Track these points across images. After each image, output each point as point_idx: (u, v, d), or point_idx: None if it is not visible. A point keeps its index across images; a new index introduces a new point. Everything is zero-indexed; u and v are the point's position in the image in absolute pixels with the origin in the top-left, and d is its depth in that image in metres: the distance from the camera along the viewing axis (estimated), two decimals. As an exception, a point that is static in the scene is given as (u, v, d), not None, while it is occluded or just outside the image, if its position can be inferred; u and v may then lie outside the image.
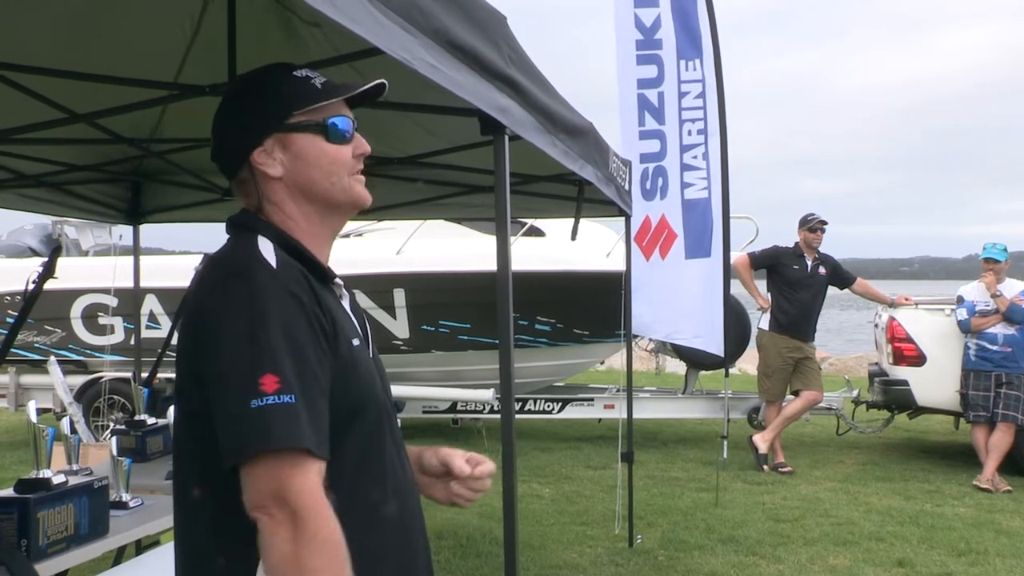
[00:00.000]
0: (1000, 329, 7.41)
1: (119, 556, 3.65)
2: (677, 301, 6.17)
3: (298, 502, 1.35)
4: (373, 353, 1.67)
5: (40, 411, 9.57)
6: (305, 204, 1.61)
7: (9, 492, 2.70)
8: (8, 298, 8.85)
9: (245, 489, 1.39)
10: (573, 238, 4.88)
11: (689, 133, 6.46)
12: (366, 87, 1.65)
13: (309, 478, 1.37)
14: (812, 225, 8.08)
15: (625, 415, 5.92)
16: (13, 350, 8.88)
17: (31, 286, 3.31)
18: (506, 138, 2.50)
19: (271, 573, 1.37)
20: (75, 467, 3.31)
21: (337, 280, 1.65)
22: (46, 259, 3.46)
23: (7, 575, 2.38)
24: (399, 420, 5.07)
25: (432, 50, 1.97)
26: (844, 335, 26.05)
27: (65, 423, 3.52)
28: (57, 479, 2.72)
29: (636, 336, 7.82)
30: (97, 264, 8.86)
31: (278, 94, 1.60)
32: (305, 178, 1.59)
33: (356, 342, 1.58)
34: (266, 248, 1.52)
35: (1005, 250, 7.56)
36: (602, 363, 11.81)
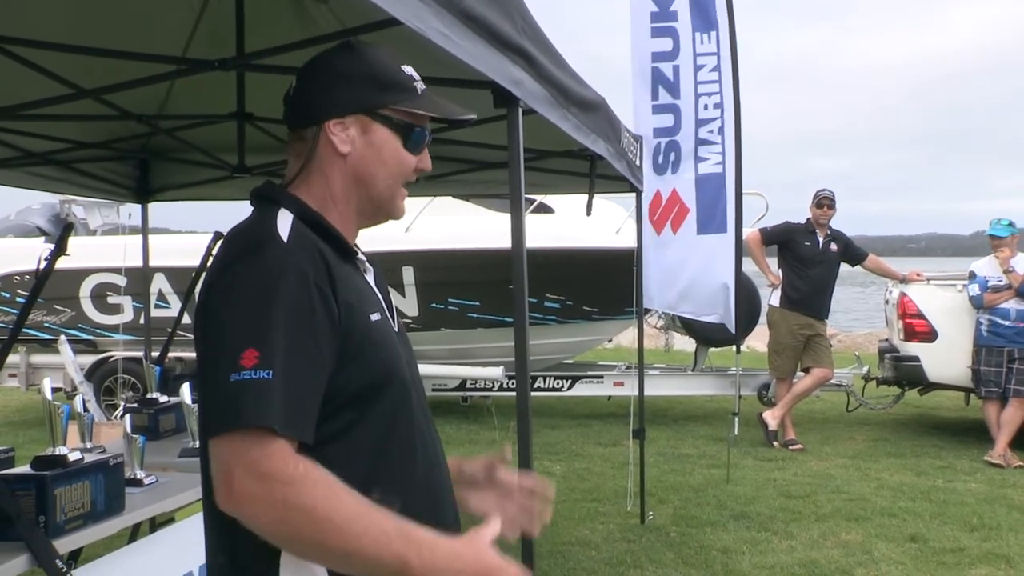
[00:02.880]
0: (1013, 304, 7.38)
1: (134, 533, 3.66)
2: (687, 275, 6.15)
3: (275, 468, 1.32)
4: (399, 329, 1.65)
5: (52, 390, 9.64)
6: (353, 191, 1.60)
7: (26, 469, 2.70)
8: (18, 277, 8.87)
9: (212, 464, 1.38)
10: (588, 213, 4.85)
11: (705, 107, 6.40)
12: (459, 117, 1.67)
13: (281, 455, 1.34)
14: (817, 200, 8.05)
15: (634, 392, 5.92)
16: (23, 329, 8.91)
17: (43, 264, 3.29)
18: (520, 111, 2.47)
19: (278, 541, 1.36)
20: (89, 445, 3.32)
21: (360, 256, 1.64)
22: (57, 237, 3.43)
23: (27, 551, 2.38)
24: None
25: (445, 20, 1.95)
26: (851, 313, 26.01)
27: (78, 401, 3.53)
28: (73, 456, 2.72)
29: (647, 312, 7.81)
30: (106, 243, 8.86)
31: (382, 79, 1.59)
32: (368, 169, 1.59)
33: (376, 316, 1.55)
34: (284, 222, 1.50)
35: (1011, 224, 7.52)
36: (610, 341, 11.80)
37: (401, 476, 1.54)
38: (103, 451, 3.31)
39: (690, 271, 6.16)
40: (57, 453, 2.71)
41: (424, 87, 1.64)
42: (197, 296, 1.54)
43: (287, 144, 1.65)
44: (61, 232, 3.45)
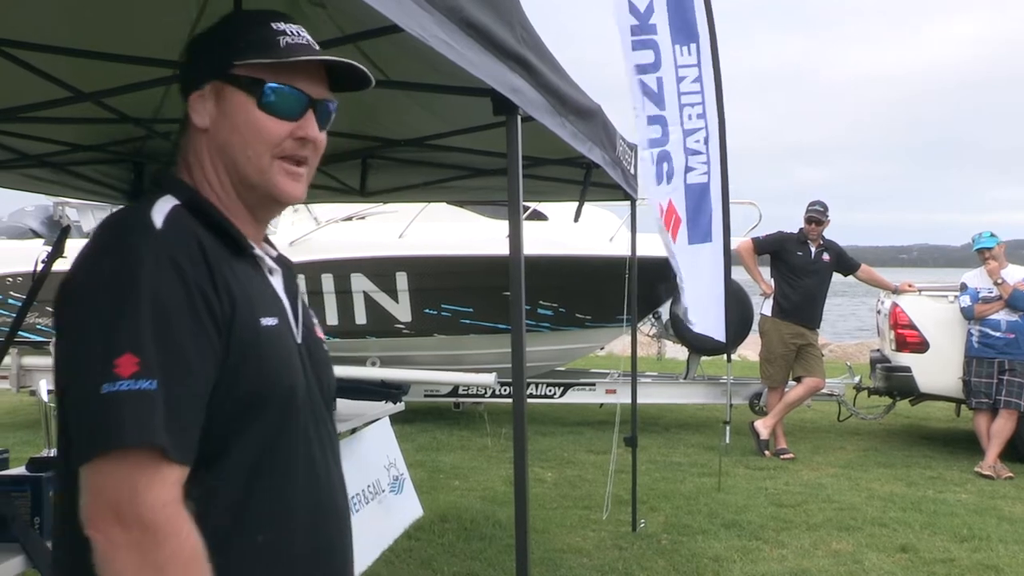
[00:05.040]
0: (1003, 316, 7.43)
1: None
2: (688, 285, 6.15)
3: (148, 516, 1.15)
4: (307, 341, 1.47)
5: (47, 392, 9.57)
6: (222, 170, 1.41)
7: (21, 471, 2.69)
8: (11, 279, 8.85)
9: (82, 495, 1.18)
10: (576, 220, 4.86)
11: (690, 117, 6.43)
12: (332, 59, 1.43)
13: (165, 489, 1.17)
14: (806, 216, 8.07)
15: (626, 400, 5.91)
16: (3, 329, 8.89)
17: (40, 266, 3.28)
18: (519, 119, 2.48)
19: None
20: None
21: (260, 253, 1.45)
22: (55, 239, 3.43)
23: (22, 553, 2.38)
24: (403, 405, 5.01)
25: (446, 27, 1.95)
26: (841, 322, 26.10)
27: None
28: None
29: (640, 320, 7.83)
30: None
31: (233, 38, 1.40)
32: (224, 140, 1.40)
33: (270, 321, 1.36)
34: (161, 208, 1.32)
35: (992, 235, 7.57)
36: (602, 348, 11.82)
37: (278, 510, 1.35)
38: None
39: (689, 281, 6.17)
40: (52, 455, 2.70)
41: (297, 41, 1.41)
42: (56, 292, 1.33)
43: None
44: (59, 235, 3.46)
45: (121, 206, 5.96)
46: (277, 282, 1.47)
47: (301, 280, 1.61)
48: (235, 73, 1.39)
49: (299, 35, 1.42)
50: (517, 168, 2.52)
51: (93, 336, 1.21)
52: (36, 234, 9.64)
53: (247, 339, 1.31)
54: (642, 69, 6.24)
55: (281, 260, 1.52)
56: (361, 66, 1.45)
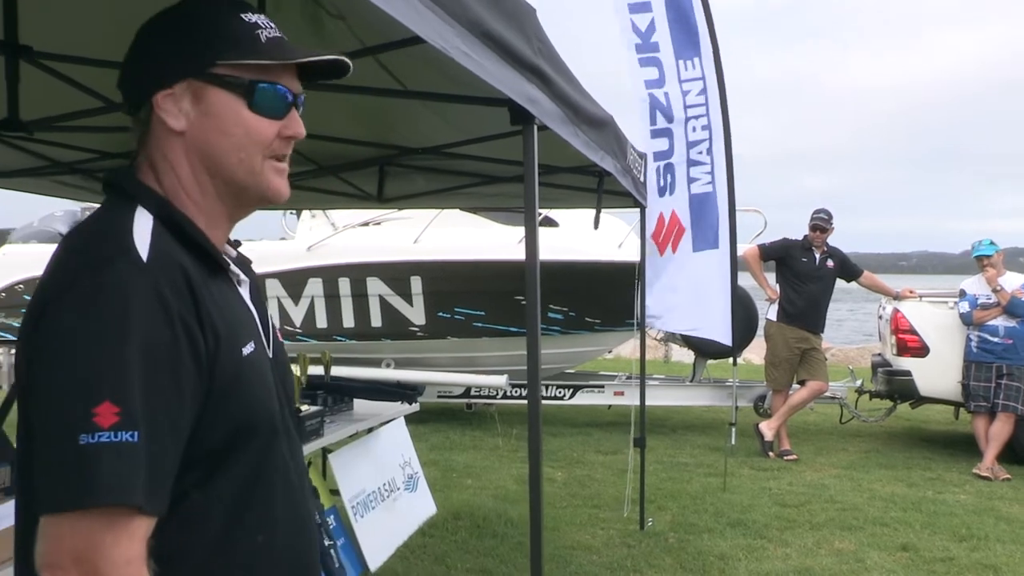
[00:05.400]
0: (1001, 322, 7.41)
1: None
2: (690, 293, 6.16)
3: (103, 565, 1.06)
4: (274, 350, 1.39)
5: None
6: (203, 173, 1.28)
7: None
8: (39, 282, 8.90)
9: (40, 538, 1.08)
10: (596, 227, 4.88)
11: (694, 129, 6.45)
12: (316, 58, 1.30)
13: (131, 546, 1.08)
14: (811, 224, 8.08)
15: (634, 402, 5.91)
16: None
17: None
18: (535, 128, 2.49)
19: None
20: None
21: (233, 268, 1.35)
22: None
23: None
24: (418, 405, 5.00)
25: (467, 40, 1.96)
26: (841, 326, 26.03)
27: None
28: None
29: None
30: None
31: (208, 32, 1.27)
32: (209, 143, 1.27)
33: (249, 348, 1.27)
34: (141, 228, 1.19)
35: (992, 243, 7.56)
36: (610, 352, 11.81)
37: (259, 536, 1.29)
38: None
39: (690, 287, 6.18)
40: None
41: (276, 36, 1.30)
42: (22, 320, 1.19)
43: (132, 138, 1.34)
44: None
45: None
46: (245, 292, 1.37)
47: (273, 285, 1.55)
48: (218, 73, 1.26)
49: (271, 27, 1.31)
50: (533, 176, 2.52)
51: (70, 379, 1.09)
52: (64, 238, 9.72)
53: (230, 372, 1.22)
54: (650, 84, 6.27)
55: (241, 261, 1.41)
56: (343, 57, 1.34)
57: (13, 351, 8.22)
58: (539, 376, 2.64)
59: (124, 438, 1.06)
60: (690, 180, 6.21)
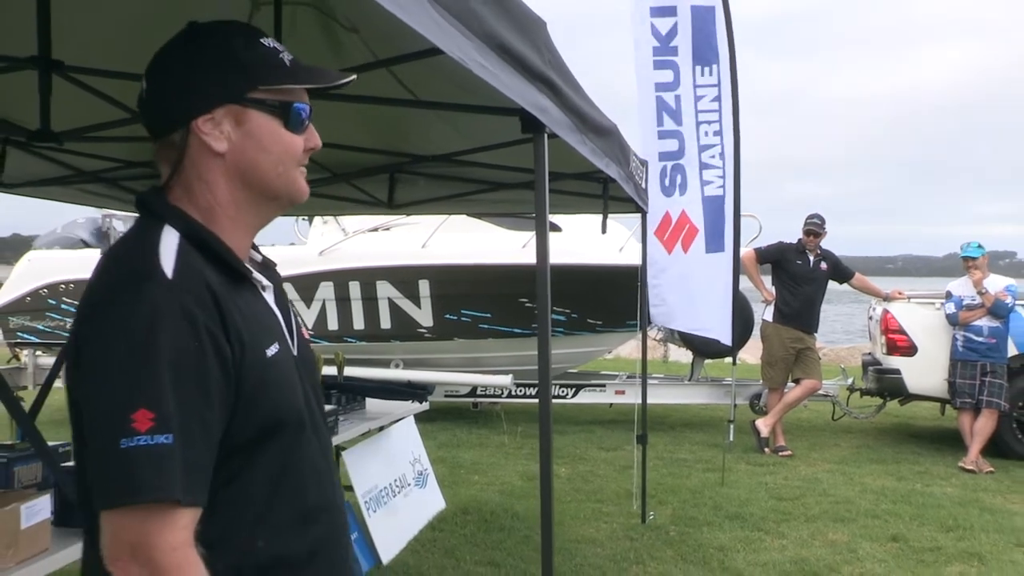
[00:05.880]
0: (985, 322, 7.42)
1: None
2: (697, 293, 6.15)
3: (161, 560, 1.14)
4: (300, 349, 1.43)
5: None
6: (241, 189, 1.34)
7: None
8: (63, 286, 8.92)
9: (103, 534, 1.17)
10: (604, 231, 4.88)
11: (706, 134, 6.45)
12: (339, 82, 1.39)
13: (176, 534, 1.15)
14: (805, 228, 8.09)
15: (635, 400, 5.91)
16: (65, 334, 8.95)
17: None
18: (545, 136, 2.50)
19: None
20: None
21: (257, 276, 1.39)
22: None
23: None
24: (428, 404, 5.00)
25: (483, 52, 1.97)
26: (829, 326, 26.03)
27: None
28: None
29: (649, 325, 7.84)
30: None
31: (243, 62, 1.32)
32: (251, 161, 1.33)
33: (274, 350, 1.32)
34: (168, 247, 1.25)
35: (979, 246, 7.57)
36: (610, 352, 11.81)
37: (293, 519, 1.34)
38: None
39: (700, 288, 6.17)
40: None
41: (291, 57, 1.37)
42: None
43: (155, 152, 1.38)
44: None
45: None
46: (269, 297, 1.42)
47: (290, 287, 1.59)
48: (257, 97, 1.33)
49: (285, 49, 1.38)
50: (544, 183, 2.53)
51: (110, 390, 1.17)
52: (86, 244, 9.72)
53: (256, 375, 1.28)
54: (661, 87, 6.26)
55: (266, 266, 1.47)
56: (354, 76, 1.42)
57: (38, 352, 8.26)
58: (550, 375, 2.64)
59: (159, 440, 1.14)
60: (703, 182, 6.21)
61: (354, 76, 1.42)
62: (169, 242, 1.26)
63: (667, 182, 5.95)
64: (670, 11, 5.97)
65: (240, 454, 1.27)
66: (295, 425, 1.35)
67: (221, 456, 1.24)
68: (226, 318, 1.24)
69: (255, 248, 1.46)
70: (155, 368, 1.16)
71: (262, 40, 1.35)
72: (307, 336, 1.50)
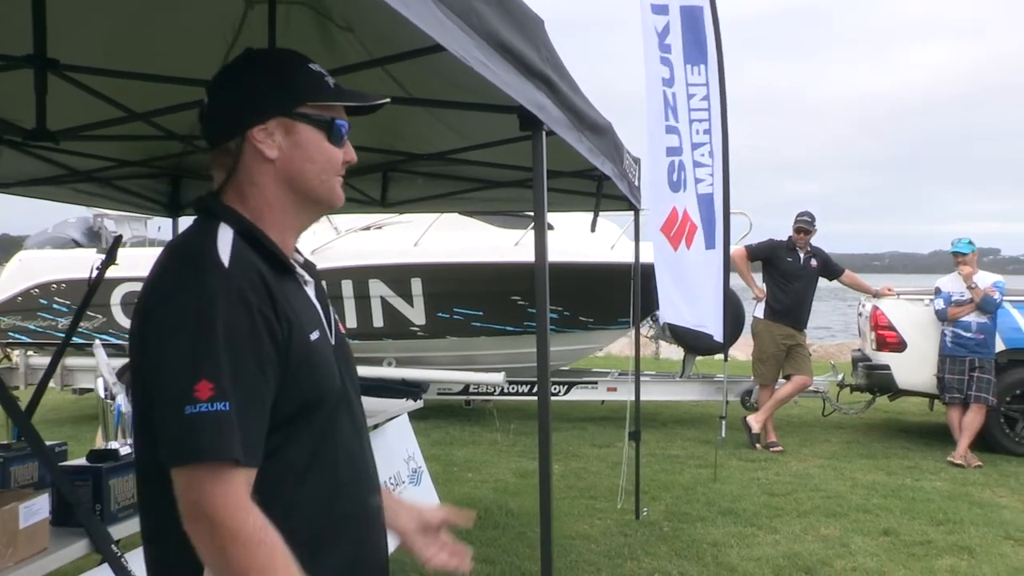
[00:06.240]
0: (974, 318, 7.46)
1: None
2: (699, 289, 6.14)
3: (216, 513, 1.28)
4: (337, 340, 1.57)
5: (82, 391, 9.56)
6: (287, 193, 1.51)
7: (82, 461, 2.70)
8: (55, 286, 8.87)
9: (177, 495, 1.32)
10: (593, 230, 4.87)
11: (697, 132, 6.44)
12: (372, 103, 1.59)
13: (231, 488, 1.29)
14: (795, 226, 8.11)
15: (626, 397, 5.90)
16: (57, 334, 8.90)
17: (95, 273, 3.30)
18: (544, 134, 2.49)
19: (211, 571, 1.32)
20: (128, 441, 3.31)
21: (299, 270, 1.54)
22: (108, 249, 3.44)
23: (85, 536, 2.38)
24: (422, 402, 4.99)
25: (484, 50, 1.97)
26: (815, 323, 26.13)
27: (121, 400, 3.52)
28: (124, 450, 2.72)
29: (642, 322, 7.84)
30: (135, 254, 8.88)
31: (295, 80, 1.51)
32: (298, 168, 1.50)
33: (315, 335, 1.47)
34: (224, 240, 1.41)
35: (970, 243, 7.61)
36: (600, 349, 11.83)
37: (329, 489, 1.47)
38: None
39: (700, 285, 6.14)
40: (110, 447, 2.71)
41: (334, 80, 1.56)
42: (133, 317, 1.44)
43: (210, 159, 1.54)
44: (112, 244, 3.46)
45: (159, 217, 5.99)
46: (310, 291, 1.56)
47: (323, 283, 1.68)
48: (306, 112, 1.50)
49: (327, 73, 1.56)
50: (542, 180, 2.52)
51: (175, 364, 1.32)
52: (77, 244, 9.67)
53: (301, 355, 1.42)
54: (665, 83, 6.25)
55: (308, 266, 1.60)
56: (387, 99, 1.61)
57: (30, 353, 8.21)
58: (548, 371, 2.64)
59: (219, 407, 1.29)
60: (696, 180, 6.21)
61: (388, 99, 1.61)
62: (225, 237, 1.41)
63: (675, 177, 5.92)
64: (664, 9, 5.96)
65: (282, 429, 1.39)
66: (333, 404, 1.48)
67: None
68: (276, 302, 1.39)
69: (297, 251, 1.60)
70: (214, 344, 1.31)
71: (310, 65, 1.54)
72: (343, 331, 1.64)
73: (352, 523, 1.51)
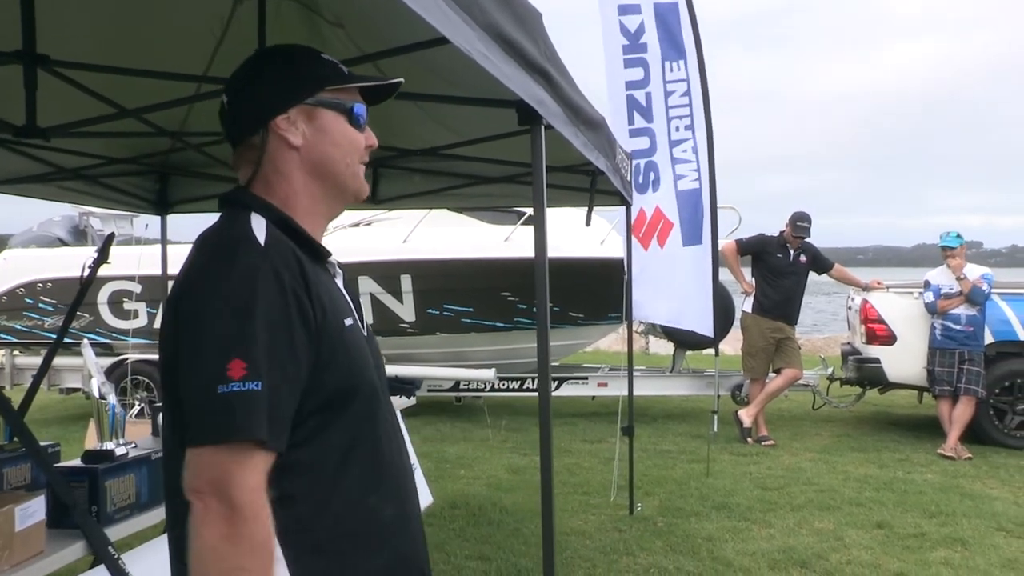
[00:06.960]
0: (963, 310, 7.49)
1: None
2: (676, 286, 6.17)
3: (239, 498, 1.26)
4: (368, 333, 1.57)
5: (69, 391, 9.48)
6: (314, 180, 1.51)
7: (77, 462, 2.66)
8: (40, 285, 8.78)
9: (186, 467, 1.30)
10: (588, 224, 4.86)
11: (677, 129, 6.46)
12: (388, 81, 1.59)
13: (254, 474, 1.28)
14: (793, 226, 8.10)
15: (617, 392, 5.90)
16: (44, 333, 8.82)
17: (86, 272, 3.25)
18: (542, 128, 2.47)
19: (195, 559, 1.27)
20: (122, 441, 3.28)
21: (332, 259, 1.55)
22: (101, 246, 3.40)
23: (82, 538, 2.35)
24: (415, 399, 4.98)
25: (486, 43, 1.94)
26: (812, 316, 26.22)
27: (114, 400, 3.48)
28: (120, 451, 2.69)
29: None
30: (122, 253, 8.80)
31: (311, 69, 1.53)
32: (323, 154, 1.51)
33: (349, 322, 1.47)
34: (258, 225, 1.41)
35: (958, 236, 7.64)
36: (590, 345, 11.83)
37: (368, 481, 1.46)
38: (135, 447, 3.27)
39: (679, 281, 6.17)
40: (105, 448, 2.68)
41: (347, 69, 1.57)
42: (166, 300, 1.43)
43: (234, 158, 1.55)
44: (104, 241, 3.42)
45: (147, 215, 5.94)
46: (339, 282, 1.56)
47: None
48: (325, 98, 1.51)
49: (339, 62, 1.58)
50: (541, 176, 2.51)
51: (210, 343, 1.31)
52: (63, 242, 9.58)
53: (335, 339, 1.41)
54: (632, 85, 6.26)
55: (338, 263, 1.60)
56: (400, 80, 1.61)
57: (16, 352, 8.13)
58: (549, 367, 2.63)
59: (250, 387, 1.27)
60: (676, 177, 6.22)
61: (402, 80, 1.61)
62: (259, 224, 1.41)
63: (640, 179, 5.95)
64: (635, 8, 5.98)
65: (317, 416, 1.38)
66: (368, 394, 1.47)
67: (299, 417, 1.36)
68: (309, 285, 1.38)
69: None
70: (248, 324, 1.29)
71: (322, 55, 1.56)
72: (370, 328, 1.62)
73: (394, 518, 1.49)
